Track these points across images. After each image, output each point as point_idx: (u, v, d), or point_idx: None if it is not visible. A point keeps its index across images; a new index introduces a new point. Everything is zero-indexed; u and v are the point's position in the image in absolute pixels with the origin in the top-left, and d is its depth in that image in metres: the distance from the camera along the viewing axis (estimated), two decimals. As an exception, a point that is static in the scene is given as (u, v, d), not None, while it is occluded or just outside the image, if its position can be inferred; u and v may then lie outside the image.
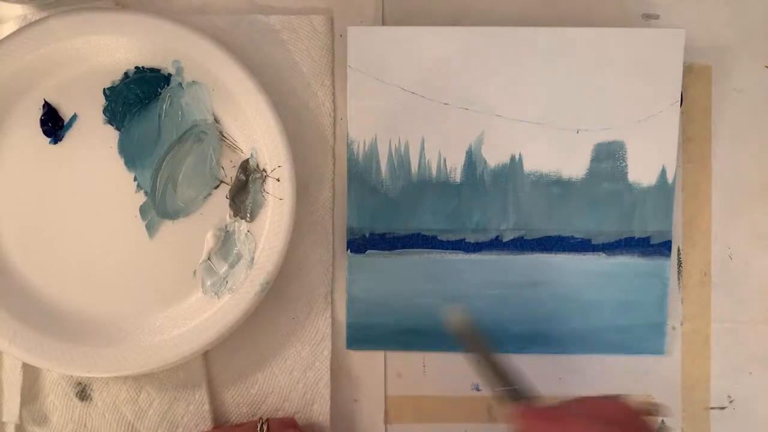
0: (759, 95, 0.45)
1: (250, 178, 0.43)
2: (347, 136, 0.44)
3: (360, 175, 0.44)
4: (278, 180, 0.42)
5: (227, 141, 0.44)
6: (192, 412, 0.45)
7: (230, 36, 0.44)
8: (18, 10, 0.44)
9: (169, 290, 0.44)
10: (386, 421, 0.45)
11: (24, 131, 0.43)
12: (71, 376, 0.44)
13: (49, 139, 0.43)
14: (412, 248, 0.44)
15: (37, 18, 0.43)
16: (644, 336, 0.45)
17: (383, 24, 0.45)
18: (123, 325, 0.43)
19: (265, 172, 0.43)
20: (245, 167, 0.43)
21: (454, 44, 0.43)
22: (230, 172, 0.44)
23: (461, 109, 0.44)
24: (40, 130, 0.43)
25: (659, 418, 0.33)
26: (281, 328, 0.45)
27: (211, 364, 0.45)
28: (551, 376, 0.46)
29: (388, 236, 0.44)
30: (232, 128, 0.44)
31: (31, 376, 0.44)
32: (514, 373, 0.37)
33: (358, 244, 0.44)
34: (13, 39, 0.41)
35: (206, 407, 0.45)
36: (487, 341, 0.38)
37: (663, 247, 0.44)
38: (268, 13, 0.44)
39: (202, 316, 0.43)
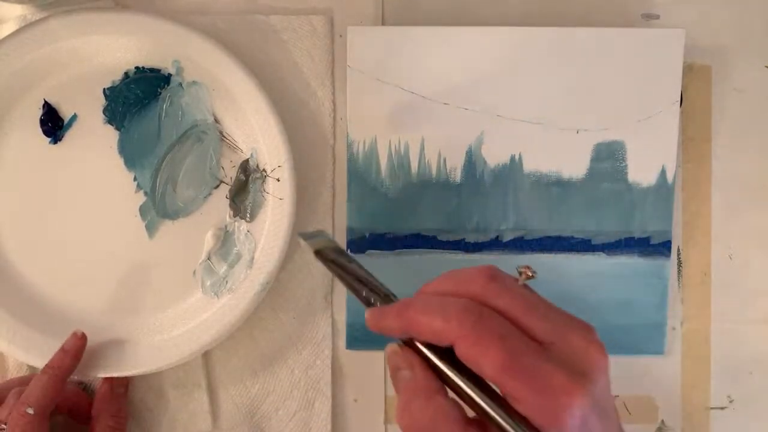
0: (759, 95, 0.45)
1: (250, 178, 0.43)
2: (347, 136, 0.44)
3: (360, 175, 0.44)
4: (278, 180, 0.42)
5: (227, 141, 0.44)
6: (192, 412, 0.45)
7: (230, 36, 0.44)
8: (18, 10, 0.44)
9: (168, 290, 0.44)
10: (386, 421, 0.45)
11: (24, 131, 0.43)
12: (73, 375, 0.44)
13: (49, 139, 0.43)
14: (412, 248, 0.44)
15: (37, 18, 0.43)
16: (644, 336, 0.45)
17: (383, 24, 0.45)
18: (123, 325, 0.43)
19: (265, 172, 0.43)
20: (245, 167, 0.43)
21: (454, 44, 0.43)
22: (230, 172, 0.44)
23: (461, 109, 0.44)
24: (40, 130, 0.43)
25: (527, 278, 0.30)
26: (282, 328, 0.45)
27: (211, 364, 0.45)
28: (551, 376, 0.45)
29: (388, 236, 0.44)
30: (232, 128, 0.44)
31: (32, 376, 0.44)
32: (376, 281, 0.33)
33: (358, 244, 0.44)
34: (12, 39, 0.41)
35: (206, 407, 0.45)
36: (347, 256, 0.34)
37: (663, 247, 0.44)
38: (268, 13, 0.44)
39: (201, 316, 0.43)
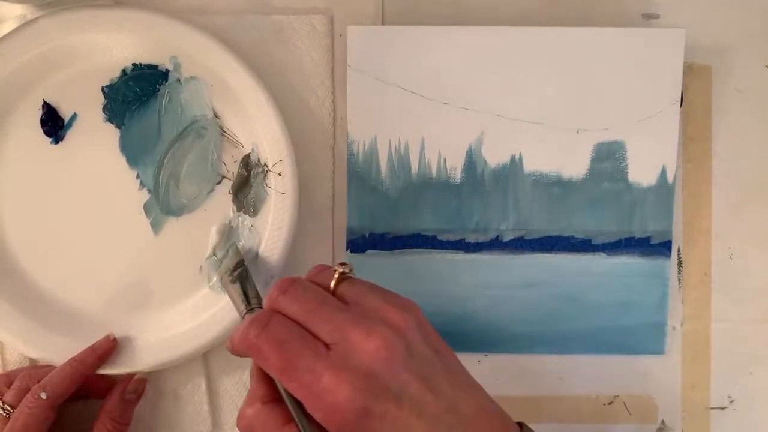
0: (759, 95, 0.45)
1: (252, 172, 0.43)
2: (347, 136, 0.44)
3: (360, 175, 0.44)
4: (280, 174, 0.42)
5: (228, 136, 0.44)
6: (192, 412, 0.45)
7: (230, 36, 0.44)
8: (18, 9, 0.44)
9: (174, 287, 0.44)
10: (386, 421, 0.45)
11: (25, 132, 0.43)
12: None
13: (50, 139, 0.43)
14: (412, 248, 0.44)
15: (31, 18, 0.43)
16: (644, 336, 0.45)
17: (383, 24, 0.45)
18: (130, 322, 0.43)
19: (267, 166, 0.43)
20: (247, 162, 0.43)
21: (454, 44, 0.43)
22: (232, 168, 0.44)
23: (461, 109, 0.44)
24: (41, 130, 0.43)
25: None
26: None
27: (211, 364, 0.45)
28: (551, 376, 0.46)
29: (388, 236, 0.44)
30: (232, 123, 0.44)
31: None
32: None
33: (358, 244, 0.44)
34: (9, 39, 0.41)
35: (206, 407, 0.45)
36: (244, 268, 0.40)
37: (663, 247, 0.44)
38: (268, 13, 0.44)
39: (208, 311, 0.43)
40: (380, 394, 0.28)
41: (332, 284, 0.32)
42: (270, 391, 0.31)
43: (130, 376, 0.43)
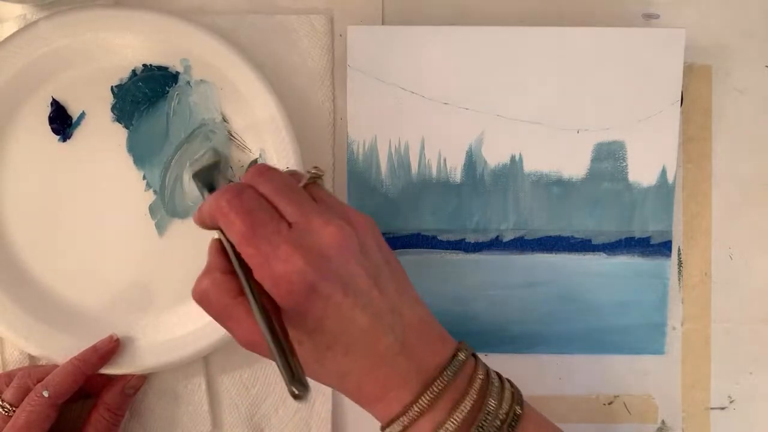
0: (759, 95, 0.45)
1: None
2: (347, 136, 0.44)
3: (360, 175, 0.44)
4: None
5: (235, 140, 0.44)
6: (192, 412, 0.45)
7: (230, 35, 0.44)
8: (18, 9, 0.44)
9: (179, 288, 0.44)
10: (386, 421, 0.45)
11: (33, 129, 0.43)
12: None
13: (57, 137, 0.43)
14: (412, 248, 0.44)
15: (38, 17, 0.43)
16: (644, 336, 0.45)
17: (383, 24, 0.45)
18: (134, 323, 0.43)
19: None
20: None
21: (454, 44, 0.43)
22: (239, 172, 0.44)
23: (461, 109, 0.44)
24: (49, 127, 0.43)
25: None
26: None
27: (211, 364, 0.45)
28: (551, 376, 0.46)
29: (388, 236, 0.44)
30: (240, 127, 0.44)
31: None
32: None
33: (358, 244, 0.44)
34: (19, 36, 0.41)
35: (206, 407, 0.45)
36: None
37: (663, 247, 0.44)
38: (268, 13, 0.44)
39: None
40: (329, 277, 0.30)
41: (303, 182, 0.33)
42: (227, 263, 0.32)
43: (126, 375, 0.43)
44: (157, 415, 0.45)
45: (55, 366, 0.42)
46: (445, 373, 0.32)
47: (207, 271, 0.32)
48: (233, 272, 0.32)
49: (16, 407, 0.39)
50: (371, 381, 0.32)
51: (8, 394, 0.40)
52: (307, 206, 0.31)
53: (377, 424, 0.46)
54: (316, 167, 0.34)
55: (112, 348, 0.42)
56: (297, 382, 0.27)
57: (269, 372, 0.45)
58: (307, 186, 0.34)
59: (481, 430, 0.31)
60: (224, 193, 0.31)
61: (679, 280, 0.46)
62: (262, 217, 0.30)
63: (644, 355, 0.45)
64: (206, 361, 0.45)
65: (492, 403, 0.32)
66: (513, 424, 0.32)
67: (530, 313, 0.45)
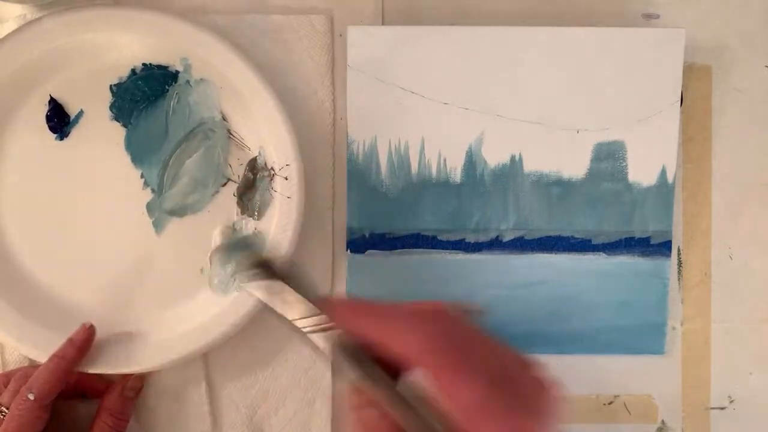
0: (759, 95, 0.45)
1: (258, 176, 0.43)
2: (347, 136, 0.44)
3: (360, 175, 0.44)
4: (286, 178, 0.42)
5: (235, 139, 0.44)
6: (192, 412, 0.45)
7: (230, 35, 0.44)
8: (18, 9, 0.44)
9: (176, 287, 0.44)
10: (386, 421, 0.45)
11: (30, 127, 0.43)
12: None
13: (55, 135, 0.43)
14: (412, 248, 0.44)
15: (37, 17, 0.43)
16: (644, 336, 0.45)
17: (383, 24, 0.45)
18: (131, 322, 0.43)
19: (273, 170, 0.43)
20: (253, 165, 0.43)
21: (454, 44, 0.43)
22: (238, 170, 0.44)
23: (461, 109, 0.44)
24: (46, 126, 0.43)
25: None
26: (281, 328, 0.45)
27: (211, 364, 0.45)
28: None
29: (388, 236, 0.44)
30: (239, 126, 0.44)
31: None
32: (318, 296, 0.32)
33: (358, 244, 0.44)
34: (19, 35, 0.41)
35: (206, 407, 0.45)
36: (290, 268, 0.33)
37: (663, 247, 0.44)
38: (268, 13, 0.44)
39: (209, 313, 0.43)
40: None
41: None
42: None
43: (126, 377, 0.43)
44: (157, 415, 0.45)
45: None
46: None
47: None
48: None
49: None
50: None
51: (5, 397, 0.40)
52: (507, 356, 0.28)
53: (377, 424, 0.46)
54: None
55: (87, 337, 0.41)
56: None
57: (269, 372, 0.45)
58: None
59: None
60: (435, 334, 0.26)
61: (679, 280, 0.46)
62: (492, 379, 0.26)
63: (644, 355, 0.45)
64: (206, 362, 0.45)
65: None
66: None
67: (530, 313, 0.45)
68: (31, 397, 0.38)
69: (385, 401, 0.26)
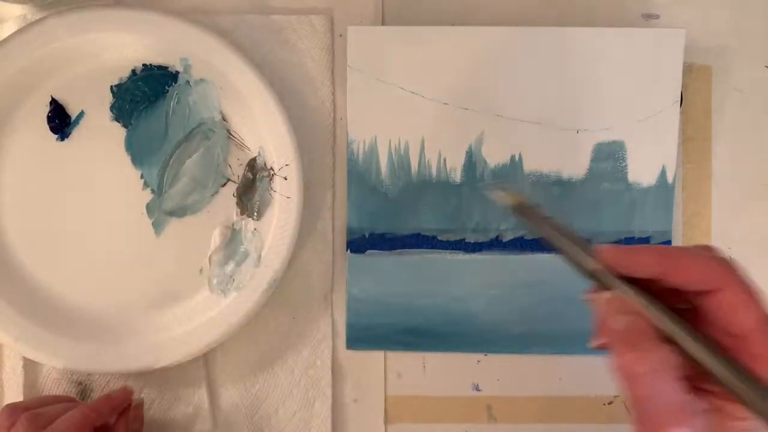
0: (759, 95, 0.45)
1: (258, 176, 0.43)
2: (347, 136, 0.44)
3: (360, 175, 0.44)
4: (285, 178, 0.42)
5: (235, 139, 0.44)
6: (192, 412, 0.45)
7: (230, 35, 0.44)
8: (18, 9, 0.44)
9: (175, 288, 0.44)
10: (386, 421, 0.45)
11: (31, 128, 0.43)
12: (71, 375, 0.44)
13: (56, 136, 0.43)
14: (412, 248, 0.44)
15: (38, 17, 0.43)
16: (644, 336, 0.45)
17: (383, 24, 0.45)
18: (130, 322, 0.43)
19: (273, 170, 0.43)
20: (252, 165, 0.43)
21: (454, 44, 0.43)
22: (237, 170, 0.44)
23: (461, 109, 0.44)
24: (47, 126, 0.43)
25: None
26: (281, 328, 0.45)
27: (211, 364, 0.45)
28: (551, 376, 0.46)
29: (388, 236, 0.44)
30: (239, 126, 0.44)
31: (31, 376, 0.44)
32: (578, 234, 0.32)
33: (358, 244, 0.44)
34: (20, 36, 0.41)
35: (206, 407, 0.45)
36: (542, 211, 0.33)
37: (663, 247, 0.44)
38: (267, 13, 0.44)
39: (208, 314, 0.43)
40: None
41: None
42: (660, 334, 0.26)
43: (127, 407, 0.41)
44: (157, 415, 0.45)
45: (59, 408, 0.39)
46: None
47: (647, 345, 0.26)
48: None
49: None
50: None
51: None
52: None
53: (377, 425, 0.46)
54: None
55: (125, 399, 0.40)
56: None
57: (269, 372, 0.45)
58: None
59: None
60: (725, 262, 0.29)
61: (679, 280, 0.45)
62: None
63: (644, 355, 0.45)
64: (206, 361, 0.45)
65: None
66: None
67: (530, 313, 0.45)
68: None
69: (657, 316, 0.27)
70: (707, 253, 0.28)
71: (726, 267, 0.28)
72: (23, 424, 0.36)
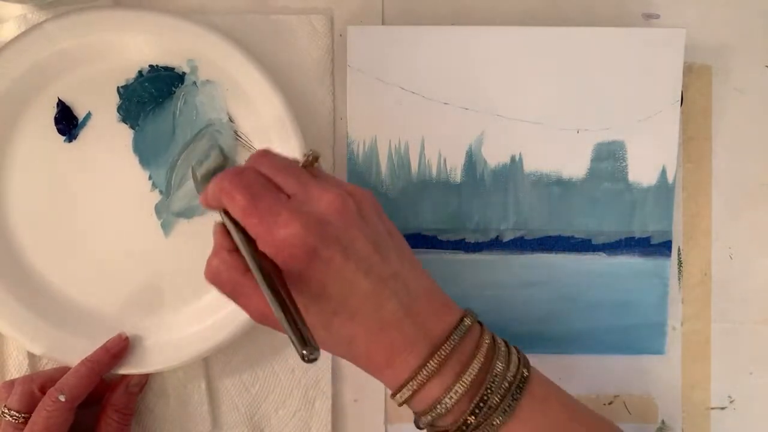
0: (759, 95, 0.45)
1: None
2: (347, 136, 0.44)
3: (360, 175, 0.44)
4: None
5: (241, 140, 0.44)
6: (192, 412, 0.45)
7: (230, 35, 0.44)
8: (18, 9, 0.44)
9: (184, 289, 0.44)
10: (386, 421, 0.45)
11: (38, 130, 0.43)
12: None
13: (63, 138, 0.43)
14: (412, 248, 0.44)
15: (37, 18, 0.43)
16: (644, 336, 0.45)
17: (383, 24, 0.45)
18: (139, 323, 0.43)
19: None
20: None
21: (454, 44, 0.43)
22: None
23: (461, 109, 0.44)
24: (55, 128, 0.43)
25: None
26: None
27: (211, 364, 0.45)
28: (551, 376, 0.45)
29: (388, 236, 0.44)
30: (246, 127, 0.44)
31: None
32: None
33: (358, 244, 0.44)
34: (25, 37, 0.41)
35: (206, 407, 0.45)
36: None
37: (663, 247, 0.44)
38: (267, 13, 0.44)
39: (216, 314, 0.43)
40: (328, 240, 0.30)
41: (302, 163, 0.34)
42: (232, 242, 0.33)
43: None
44: (157, 415, 0.45)
45: (59, 369, 0.42)
46: (451, 337, 0.32)
47: (215, 252, 0.33)
48: (239, 250, 0.32)
49: (24, 413, 0.39)
50: (378, 347, 0.32)
51: (13, 401, 0.40)
52: (305, 179, 0.32)
53: (377, 425, 0.46)
54: (312, 150, 0.34)
55: (123, 346, 0.42)
56: (307, 345, 0.28)
57: (269, 372, 0.45)
58: (305, 166, 0.34)
59: (489, 391, 0.31)
60: (226, 173, 0.32)
61: (679, 280, 0.46)
62: (262, 191, 0.31)
63: (644, 355, 0.45)
64: (206, 361, 0.45)
65: (500, 365, 0.32)
66: (521, 385, 0.33)
67: (530, 313, 0.45)
68: (62, 398, 0.38)
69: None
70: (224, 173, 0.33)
71: (221, 178, 0.32)
72: (23, 383, 0.40)
